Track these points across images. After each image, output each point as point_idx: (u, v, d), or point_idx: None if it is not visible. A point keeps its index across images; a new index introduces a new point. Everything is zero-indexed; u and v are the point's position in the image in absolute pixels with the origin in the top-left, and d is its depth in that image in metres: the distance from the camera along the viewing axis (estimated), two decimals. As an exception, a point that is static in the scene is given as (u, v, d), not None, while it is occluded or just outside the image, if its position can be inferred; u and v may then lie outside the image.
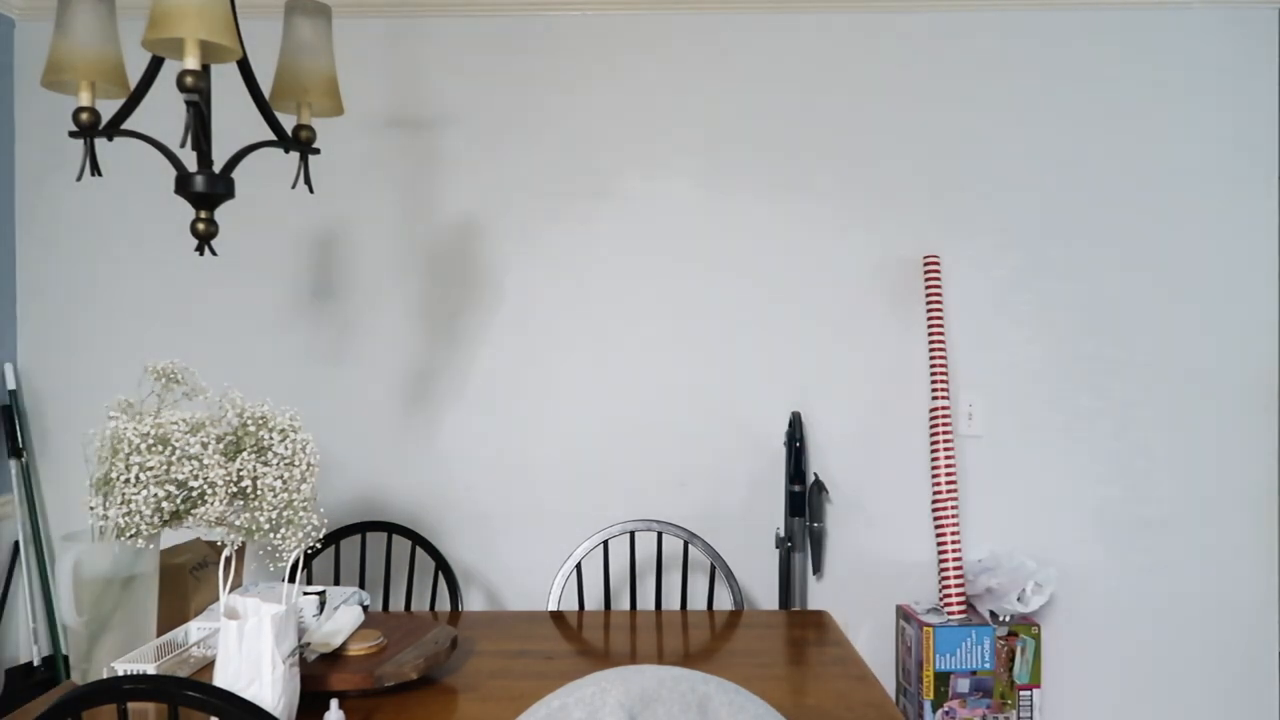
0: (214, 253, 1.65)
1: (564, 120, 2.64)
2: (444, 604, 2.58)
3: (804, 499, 2.51)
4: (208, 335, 2.66)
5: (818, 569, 2.62)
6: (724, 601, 2.59)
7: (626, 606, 2.60)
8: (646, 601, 2.63)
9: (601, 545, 2.46)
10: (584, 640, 1.86)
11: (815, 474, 2.60)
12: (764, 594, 2.64)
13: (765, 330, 2.63)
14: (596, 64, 2.63)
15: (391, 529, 2.37)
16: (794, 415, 2.56)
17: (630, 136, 2.63)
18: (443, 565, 2.31)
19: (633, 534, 2.29)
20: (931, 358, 2.53)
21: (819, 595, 2.63)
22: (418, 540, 2.34)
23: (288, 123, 2.64)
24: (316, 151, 1.78)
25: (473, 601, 2.65)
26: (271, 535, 1.56)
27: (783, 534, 2.55)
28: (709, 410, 2.63)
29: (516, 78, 2.64)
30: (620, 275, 2.64)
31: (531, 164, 2.64)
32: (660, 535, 2.29)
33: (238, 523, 1.54)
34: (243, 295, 2.67)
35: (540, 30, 2.64)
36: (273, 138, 1.73)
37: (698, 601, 2.61)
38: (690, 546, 2.49)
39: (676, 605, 2.55)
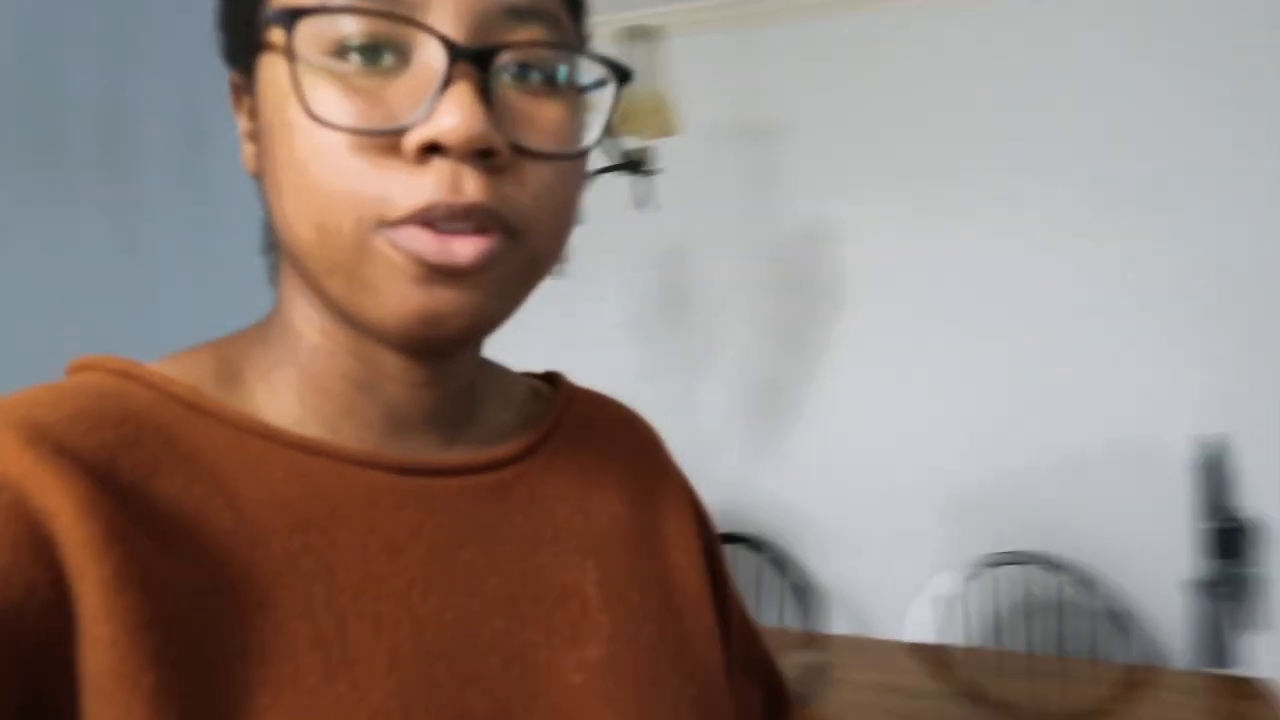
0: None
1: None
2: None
3: (1231, 537, 2.08)
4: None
5: (1252, 623, 2.15)
6: (1112, 648, 2.22)
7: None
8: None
9: (969, 575, 2.24)
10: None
11: (1244, 509, 2.14)
12: (1167, 644, 2.22)
13: (1172, 333, 2.22)
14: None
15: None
16: (1212, 438, 2.13)
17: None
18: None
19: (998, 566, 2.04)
20: None
21: (1250, 656, 2.16)
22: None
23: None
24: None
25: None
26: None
27: (1196, 576, 2.13)
28: (1093, 426, 2.28)
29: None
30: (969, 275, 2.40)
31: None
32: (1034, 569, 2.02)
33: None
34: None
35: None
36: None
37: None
38: (1067, 582, 2.17)
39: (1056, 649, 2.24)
